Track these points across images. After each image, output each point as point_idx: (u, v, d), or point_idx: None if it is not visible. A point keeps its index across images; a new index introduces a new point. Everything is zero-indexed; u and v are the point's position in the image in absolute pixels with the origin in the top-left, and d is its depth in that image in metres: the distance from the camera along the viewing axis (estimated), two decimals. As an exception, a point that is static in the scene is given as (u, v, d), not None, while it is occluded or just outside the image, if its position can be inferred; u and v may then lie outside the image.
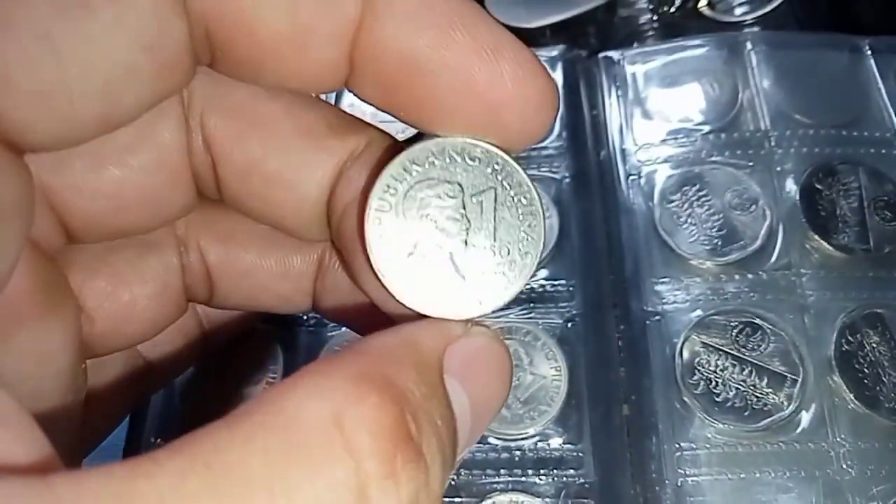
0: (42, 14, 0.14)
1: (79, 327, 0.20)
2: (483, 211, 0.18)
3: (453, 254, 0.18)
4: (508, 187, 0.18)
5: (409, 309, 0.18)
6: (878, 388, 0.35)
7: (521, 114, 0.17)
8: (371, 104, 0.18)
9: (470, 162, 0.18)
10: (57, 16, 0.14)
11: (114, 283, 0.21)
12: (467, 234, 0.18)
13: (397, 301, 0.18)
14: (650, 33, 0.53)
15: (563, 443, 0.37)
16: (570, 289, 0.40)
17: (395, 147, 0.20)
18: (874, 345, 0.36)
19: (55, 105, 0.15)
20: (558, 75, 0.46)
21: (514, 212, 0.18)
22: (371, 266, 0.18)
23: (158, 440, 0.38)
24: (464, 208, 0.18)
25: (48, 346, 0.18)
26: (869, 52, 0.44)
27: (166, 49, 0.16)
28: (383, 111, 0.18)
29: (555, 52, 0.46)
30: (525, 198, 0.18)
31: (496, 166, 0.18)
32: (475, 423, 0.17)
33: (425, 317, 0.18)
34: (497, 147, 0.18)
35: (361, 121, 0.20)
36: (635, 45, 0.51)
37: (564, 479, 0.36)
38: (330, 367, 0.15)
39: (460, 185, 0.18)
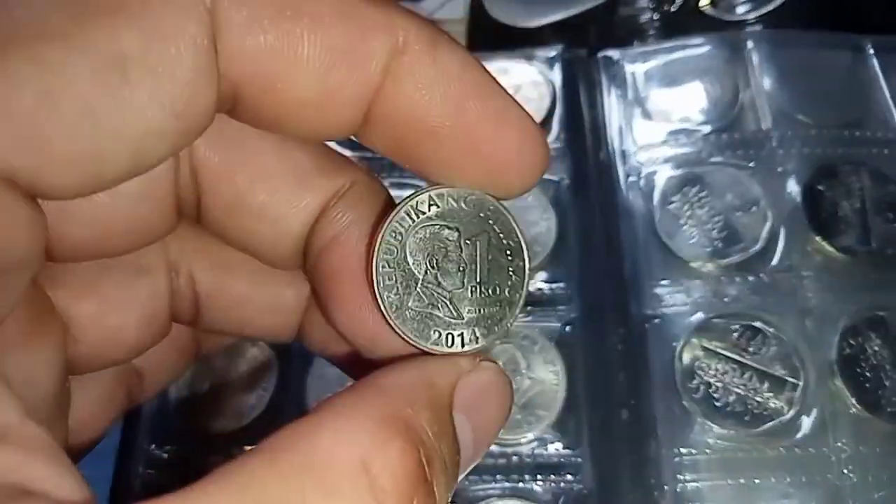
0: (84, 86, 0.15)
1: (64, 350, 0.19)
2: (477, 253, 0.20)
3: (452, 294, 0.20)
4: (498, 231, 0.20)
5: (414, 346, 0.20)
6: (879, 391, 0.35)
7: (519, 173, 0.19)
8: (375, 151, 0.19)
9: (465, 208, 0.20)
10: (98, 88, 0.15)
11: (101, 307, 0.21)
12: (464, 274, 0.20)
13: (405, 339, 0.19)
14: (651, 32, 0.52)
15: (562, 448, 0.36)
16: (569, 291, 0.39)
17: (383, 193, 0.21)
18: (876, 348, 0.36)
19: (85, 166, 0.16)
20: (556, 75, 0.45)
21: (503, 254, 0.20)
22: (379, 306, 0.19)
23: (153, 446, 0.38)
24: (460, 250, 0.20)
25: (34, 369, 0.18)
26: (872, 52, 0.44)
27: (196, 115, 0.17)
28: (387, 157, 0.20)
29: (553, 53, 0.46)
30: (512, 241, 0.20)
31: (488, 212, 0.20)
32: (475, 452, 0.19)
33: (421, 352, 0.20)
34: (489, 195, 0.20)
35: (348, 160, 0.21)
36: (636, 44, 0.50)
37: (562, 485, 0.36)
38: (354, 408, 0.16)
39: (458, 229, 0.20)
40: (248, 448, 0.15)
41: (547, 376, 0.37)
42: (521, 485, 0.36)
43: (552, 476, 0.36)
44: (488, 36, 0.50)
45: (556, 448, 0.36)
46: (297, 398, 0.38)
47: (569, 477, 0.36)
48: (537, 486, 0.36)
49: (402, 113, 0.18)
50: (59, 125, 0.15)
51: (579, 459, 0.36)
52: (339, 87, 0.17)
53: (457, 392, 0.18)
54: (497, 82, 0.18)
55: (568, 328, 0.39)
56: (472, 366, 0.19)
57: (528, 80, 0.45)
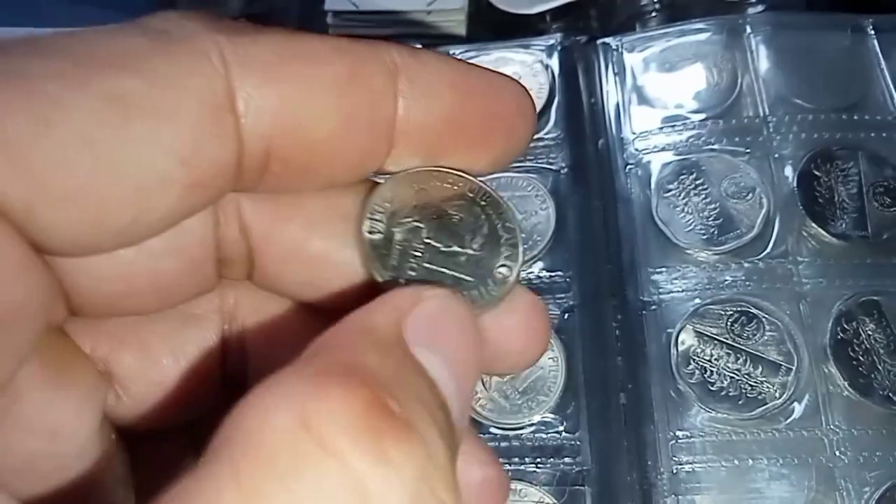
0: (82, 120, 0.14)
1: (99, 401, 0.18)
2: (463, 235, 0.19)
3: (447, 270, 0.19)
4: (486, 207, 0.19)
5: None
6: (872, 375, 0.36)
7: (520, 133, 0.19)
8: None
9: (447, 186, 0.19)
10: (96, 122, 0.15)
11: (142, 358, 0.19)
12: (455, 250, 0.19)
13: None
14: (653, 15, 0.52)
15: (561, 431, 0.38)
16: (568, 280, 0.40)
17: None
18: (870, 332, 0.36)
19: (83, 210, 0.15)
20: (555, 62, 0.46)
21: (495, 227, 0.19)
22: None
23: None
24: (446, 237, 0.19)
25: (60, 420, 0.17)
26: (872, 32, 0.44)
27: (206, 165, 0.16)
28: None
29: (552, 41, 0.46)
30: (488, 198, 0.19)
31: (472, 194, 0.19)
32: (460, 384, 0.17)
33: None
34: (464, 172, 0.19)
35: None
36: (637, 28, 0.51)
37: (562, 466, 0.37)
38: (286, 374, 0.14)
39: (437, 216, 0.19)
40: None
41: (546, 362, 0.39)
42: (522, 467, 0.37)
43: (552, 459, 0.37)
44: (488, 24, 0.51)
45: (555, 432, 0.38)
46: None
47: (567, 459, 0.37)
48: (538, 469, 0.37)
49: (427, 119, 0.18)
50: (55, 152, 0.14)
51: (578, 443, 0.37)
52: (354, 109, 0.17)
53: (406, 329, 0.16)
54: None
55: (567, 315, 0.40)
56: (415, 299, 0.17)
57: (528, 68, 0.46)
